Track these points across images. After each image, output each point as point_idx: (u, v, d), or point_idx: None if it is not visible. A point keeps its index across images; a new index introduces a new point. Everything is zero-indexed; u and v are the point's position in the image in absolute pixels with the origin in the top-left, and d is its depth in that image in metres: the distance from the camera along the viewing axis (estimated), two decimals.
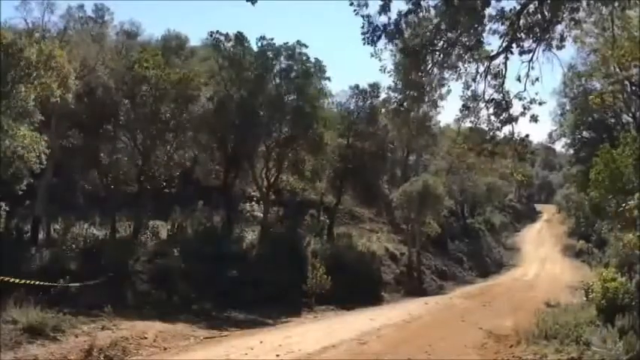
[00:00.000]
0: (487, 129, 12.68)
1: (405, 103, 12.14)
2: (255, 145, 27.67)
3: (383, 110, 30.68)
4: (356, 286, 25.10)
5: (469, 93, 12.49)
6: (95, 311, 15.66)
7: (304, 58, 27.61)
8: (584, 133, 31.74)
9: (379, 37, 10.18)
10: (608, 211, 17.27)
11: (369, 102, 33.57)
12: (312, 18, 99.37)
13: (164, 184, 24.36)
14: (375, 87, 33.34)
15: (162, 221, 25.87)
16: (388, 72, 11.75)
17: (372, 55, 10.96)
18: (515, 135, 12.49)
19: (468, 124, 13.28)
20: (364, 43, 10.18)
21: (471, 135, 13.58)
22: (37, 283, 14.42)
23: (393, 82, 12.49)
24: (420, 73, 11.31)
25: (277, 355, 12.39)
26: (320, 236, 31.44)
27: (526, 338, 14.49)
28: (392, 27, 10.07)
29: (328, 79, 29.00)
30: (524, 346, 14.03)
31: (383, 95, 33.11)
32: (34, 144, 16.25)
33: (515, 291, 30.52)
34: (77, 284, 16.67)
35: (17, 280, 13.74)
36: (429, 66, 11.07)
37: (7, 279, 13.50)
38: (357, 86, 33.60)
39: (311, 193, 35.41)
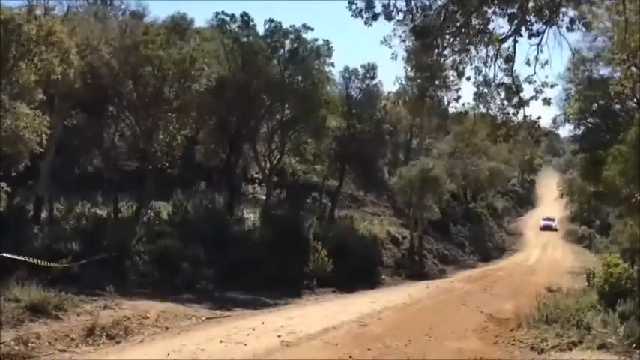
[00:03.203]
0: (499, 114, 12.63)
1: (427, 92, 12.08)
2: (257, 126, 27.64)
3: (399, 101, 30.51)
4: (357, 269, 25.19)
5: (480, 78, 12.44)
6: (97, 290, 15.68)
7: (309, 41, 27.52)
8: (589, 120, 31.52)
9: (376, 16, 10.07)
10: (618, 198, 17.23)
11: (365, 83, 33.46)
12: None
13: (166, 164, 24.33)
14: (370, 68, 33.23)
15: (164, 202, 25.87)
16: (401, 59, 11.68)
17: (382, 42, 10.91)
18: (528, 118, 12.45)
19: (481, 109, 13.22)
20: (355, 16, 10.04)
21: (484, 120, 13.51)
22: (39, 262, 14.45)
23: (406, 69, 12.38)
24: (433, 57, 11.24)
25: (279, 336, 12.41)
26: (322, 219, 31.46)
27: (527, 322, 14.51)
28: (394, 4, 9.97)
29: (332, 64, 28.96)
30: (524, 330, 14.06)
31: (396, 86, 33.03)
32: (35, 123, 16.20)
33: (516, 275, 30.55)
34: (79, 262, 16.68)
35: (23, 258, 13.80)
36: (441, 49, 10.99)
37: (9, 256, 13.58)
38: (347, 68, 33.55)
39: (313, 176, 35.44)
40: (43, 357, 10.34)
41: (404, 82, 12.93)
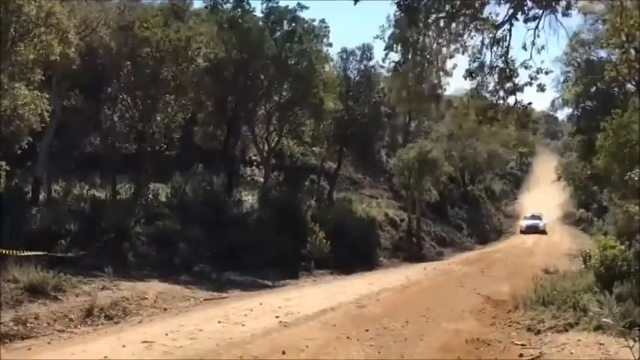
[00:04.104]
0: (490, 97, 12.65)
1: (403, 64, 12.09)
2: (255, 108, 27.58)
3: (382, 72, 30.52)
4: (355, 251, 25.29)
5: (476, 65, 12.44)
6: (95, 272, 15.70)
7: (306, 21, 27.40)
8: (587, 102, 31.51)
9: None
10: (613, 179, 17.25)
11: (363, 64, 33.37)
12: None
13: (164, 146, 24.30)
14: (367, 49, 33.15)
15: (162, 184, 25.86)
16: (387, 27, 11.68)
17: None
18: (518, 104, 12.47)
19: (472, 91, 13.23)
20: None
21: (474, 101, 13.53)
22: (35, 253, 14.49)
23: (390, 40, 12.39)
24: (416, 31, 11.23)
25: (276, 317, 12.47)
26: (320, 201, 31.52)
27: (524, 304, 14.59)
28: None
29: (330, 44, 28.85)
30: (521, 312, 14.14)
31: (380, 56, 32.93)
32: (34, 103, 16.15)
33: (514, 258, 30.66)
34: (79, 254, 16.72)
35: (20, 253, 13.86)
36: (428, 24, 10.98)
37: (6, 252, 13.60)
38: (344, 49, 33.46)
39: (311, 158, 35.42)
40: (41, 337, 10.38)
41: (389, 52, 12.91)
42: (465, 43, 12.21)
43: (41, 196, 21.14)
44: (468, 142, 47.72)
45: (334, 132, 32.21)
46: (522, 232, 47.94)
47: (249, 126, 28.30)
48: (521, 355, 10.33)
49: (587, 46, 28.55)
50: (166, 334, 10.39)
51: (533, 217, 50.34)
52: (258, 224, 23.99)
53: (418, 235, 34.34)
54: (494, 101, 12.36)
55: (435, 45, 12.40)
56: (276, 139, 28.68)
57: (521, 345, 11.20)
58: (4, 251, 13.42)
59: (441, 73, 13.31)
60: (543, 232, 47.16)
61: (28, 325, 10.63)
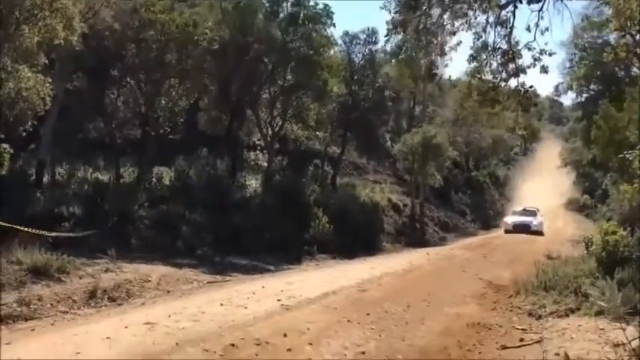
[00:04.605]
0: (493, 79, 12.61)
1: (405, 47, 12.10)
2: (259, 92, 27.51)
3: (382, 54, 30.47)
4: (358, 236, 25.32)
5: (479, 44, 12.40)
6: (99, 254, 15.79)
7: (310, 4, 27.27)
8: (592, 86, 31.41)
9: None
10: (610, 165, 17.25)
11: (367, 48, 33.24)
12: None
13: (168, 130, 24.31)
14: (372, 33, 33.00)
15: (166, 167, 25.89)
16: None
17: (382, 8, 10.85)
18: (521, 86, 12.43)
19: (474, 73, 13.20)
20: None
21: (476, 83, 13.50)
22: (41, 232, 14.57)
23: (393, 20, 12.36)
24: (417, 13, 11.19)
25: (279, 300, 12.53)
26: (323, 186, 31.51)
27: (525, 289, 14.64)
28: None
29: (334, 25, 28.69)
30: (523, 297, 14.20)
31: (383, 38, 32.81)
32: (38, 86, 16.16)
33: (516, 243, 30.62)
34: (80, 234, 16.81)
35: (24, 228, 13.94)
36: (431, 8, 10.94)
37: (16, 227, 13.70)
38: (347, 33, 33.32)
39: (315, 143, 35.38)
40: (45, 318, 10.47)
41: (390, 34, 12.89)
42: (470, 20, 12.17)
43: (45, 179, 21.19)
44: (472, 127, 47.57)
45: (338, 116, 32.11)
46: (508, 231, 35.92)
47: (253, 110, 28.26)
48: (521, 340, 10.38)
49: (594, 29, 28.42)
50: (169, 316, 10.45)
51: (524, 212, 38.54)
52: (261, 208, 24.01)
53: (421, 221, 34.37)
54: (497, 83, 12.33)
55: (438, 19, 12.37)
56: (280, 123, 28.61)
57: (522, 330, 11.26)
58: (12, 226, 13.54)
59: (441, 51, 13.27)
60: (538, 233, 35.05)
61: (31, 306, 10.72)
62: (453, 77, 46.43)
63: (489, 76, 12.44)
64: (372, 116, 33.33)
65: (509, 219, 38.08)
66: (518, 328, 11.36)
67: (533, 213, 38.41)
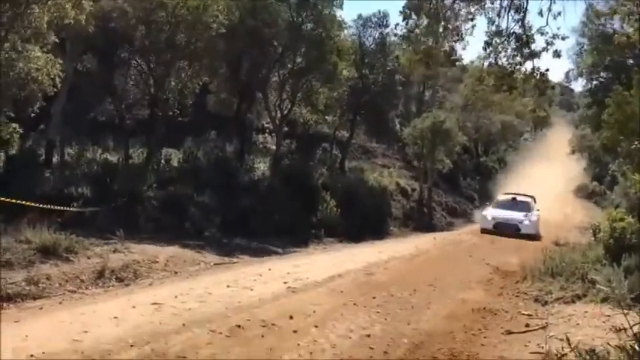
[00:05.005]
0: (508, 64, 12.58)
1: (416, 30, 12.05)
2: (268, 75, 27.45)
3: (394, 38, 30.29)
4: (365, 220, 25.36)
5: (493, 28, 12.36)
6: (107, 235, 15.85)
7: None
8: (602, 74, 31.17)
9: None
10: (620, 152, 17.17)
11: (378, 32, 33.12)
12: None
13: (177, 112, 24.32)
14: (383, 16, 32.85)
15: (174, 149, 25.96)
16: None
17: None
18: (536, 70, 12.39)
19: (490, 60, 13.18)
20: None
21: (490, 70, 13.47)
22: (51, 207, 14.66)
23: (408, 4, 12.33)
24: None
25: (285, 283, 12.59)
26: (332, 170, 31.51)
27: (532, 275, 14.64)
28: None
29: (341, 4, 28.53)
30: (529, 283, 14.21)
31: (396, 21, 32.65)
32: (48, 66, 16.19)
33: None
34: (90, 209, 16.95)
35: (34, 204, 14.05)
36: None
37: (23, 202, 13.81)
38: (360, 16, 33.19)
39: (324, 126, 35.31)
40: (53, 297, 10.55)
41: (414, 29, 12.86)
42: (484, 4, 12.15)
43: (54, 159, 21.29)
44: (482, 112, 47.34)
45: (348, 100, 32.02)
46: (485, 231, 26.59)
47: (262, 93, 28.22)
48: (527, 325, 10.41)
49: (604, 17, 28.16)
50: (176, 297, 10.52)
51: (514, 202, 28.53)
52: (269, 191, 24.05)
53: (429, 205, 34.35)
54: (512, 68, 12.29)
55: (452, 4, 12.34)
56: (289, 106, 28.56)
57: (528, 315, 11.29)
58: (24, 202, 13.67)
59: (457, 38, 13.20)
60: (531, 237, 25.24)
61: (40, 285, 10.79)
62: (465, 62, 46.09)
63: (504, 62, 12.40)
64: (382, 100, 33.21)
65: (490, 212, 27.62)
66: (524, 314, 11.38)
67: (525, 205, 28.11)
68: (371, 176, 33.13)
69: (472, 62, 37.49)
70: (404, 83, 37.70)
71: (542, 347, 8.50)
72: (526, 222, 26.58)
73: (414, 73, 34.98)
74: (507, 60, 12.34)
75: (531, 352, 8.64)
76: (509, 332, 10.00)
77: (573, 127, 64.82)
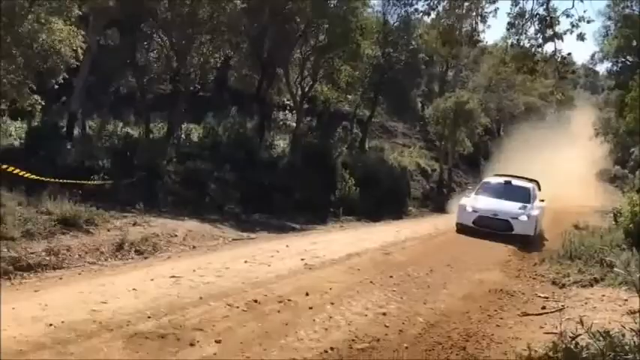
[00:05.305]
0: (529, 46, 12.45)
1: (438, 8, 11.94)
2: (290, 52, 27.32)
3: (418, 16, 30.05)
4: (384, 200, 25.33)
5: (517, 10, 12.21)
6: (127, 208, 16.03)
7: None
8: (627, 57, 30.75)
9: None
10: None
11: (403, 10, 32.81)
12: None
13: (199, 87, 24.34)
14: None
15: (195, 124, 26.02)
16: None
17: None
18: (558, 53, 12.24)
19: (512, 41, 13.06)
20: None
21: (512, 51, 13.35)
22: (71, 181, 14.79)
23: None
24: None
25: (302, 259, 12.62)
26: (351, 148, 31.46)
27: (550, 258, 14.60)
28: None
29: None
30: (547, 265, 14.15)
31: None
32: (71, 38, 16.24)
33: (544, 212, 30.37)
34: (111, 182, 17.09)
35: (54, 180, 14.20)
36: None
37: (44, 179, 13.96)
38: None
39: (345, 104, 35.16)
40: (72, 268, 10.67)
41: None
42: None
43: (75, 132, 21.43)
44: (505, 93, 46.88)
45: (370, 78, 31.83)
46: (462, 229, 19.51)
47: (283, 70, 28.12)
48: (543, 308, 10.37)
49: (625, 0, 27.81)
50: (194, 271, 10.58)
51: (507, 187, 20.94)
52: (288, 168, 24.09)
53: (449, 186, 34.24)
54: (533, 50, 12.15)
55: None
56: (311, 83, 28.46)
57: (545, 297, 11.24)
58: (43, 179, 13.81)
59: (479, 18, 13.06)
60: (527, 240, 18.32)
61: (59, 256, 10.91)
62: (487, 43, 45.62)
63: (527, 43, 12.26)
64: (405, 79, 33.03)
65: (472, 202, 20.08)
66: (540, 296, 11.34)
67: (523, 193, 20.47)
68: (391, 156, 33.03)
69: (495, 43, 37.02)
70: (427, 62, 37.47)
71: (557, 328, 8.49)
72: (522, 217, 18.73)
73: (437, 52, 34.72)
74: (529, 42, 12.20)
75: (545, 332, 8.62)
76: (526, 314, 9.98)
77: (598, 110, 63.98)
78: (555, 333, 8.04)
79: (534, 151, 56.31)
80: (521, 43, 12.55)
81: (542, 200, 20.90)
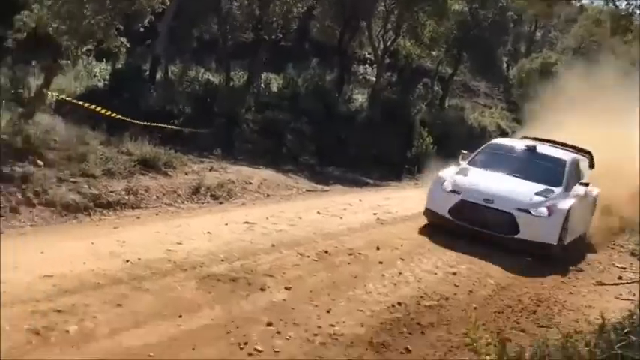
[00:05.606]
0: (626, 5, 11.89)
1: None
2: (374, 4, 26.81)
3: None
4: None
5: None
6: (205, 153, 16.27)
7: None
8: None
9: None
10: None
11: None
12: None
13: (280, 37, 24.25)
14: None
15: (275, 74, 26.03)
16: None
17: None
18: None
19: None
20: None
21: (607, 10, 12.80)
22: (154, 124, 15.08)
23: None
24: None
25: (374, 214, 12.57)
26: (431, 106, 30.91)
27: (631, 229, 14.10)
28: None
29: None
30: (627, 236, 13.73)
31: None
32: None
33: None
34: (190, 129, 17.34)
35: (137, 122, 14.50)
36: None
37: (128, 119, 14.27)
38: None
39: (427, 60, 34.44)
40: (150, 209, 10.96)
41: None
42: None
43: (158, 76, 21.72)
44: (595, 57, 44.96)
45: (455, 35, 31.01)
46: (433, 218, 11.72)
47: (366, 23, 27.65)
48: (620, 278, 10.17)
49: None
50: (267, 218, 10.66)
51: (529, 156, 12.45)
52: (366, 123, 23.89)
53: None
54: (630, 10, 11.57)
55: None
56: (393, 38, 27.93)
57: (622, 268, 11.01)
58: (128, 119, 14.14)
59: None
60: (542, 249, 10.59)
61: (138, 196, 11.19)
62: (582, 1, 43.71)
63: (623, 3, 11.68)
64: (491, 37, 32.04)
65: (454, 176, 11.96)
66: (617, 266, 11.08)
67: (552, 168, 12.04)
68: (471, 115, 32.36)
69: (591, 1, 35.33)
70: (515, 21, 36.18)
71: (634, 297, 8.24)
72: (539, 210, 10.80)
73: (528, 10, 33.46)
74: (627, 1, 11.63)
75: (621, 300, 8.40)
76: (601, 283, 9.75)
77: None
78: (631, 300, 7.81)
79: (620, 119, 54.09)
80: (617, 3, 12.03)
81: (587, 184, 12.24)
